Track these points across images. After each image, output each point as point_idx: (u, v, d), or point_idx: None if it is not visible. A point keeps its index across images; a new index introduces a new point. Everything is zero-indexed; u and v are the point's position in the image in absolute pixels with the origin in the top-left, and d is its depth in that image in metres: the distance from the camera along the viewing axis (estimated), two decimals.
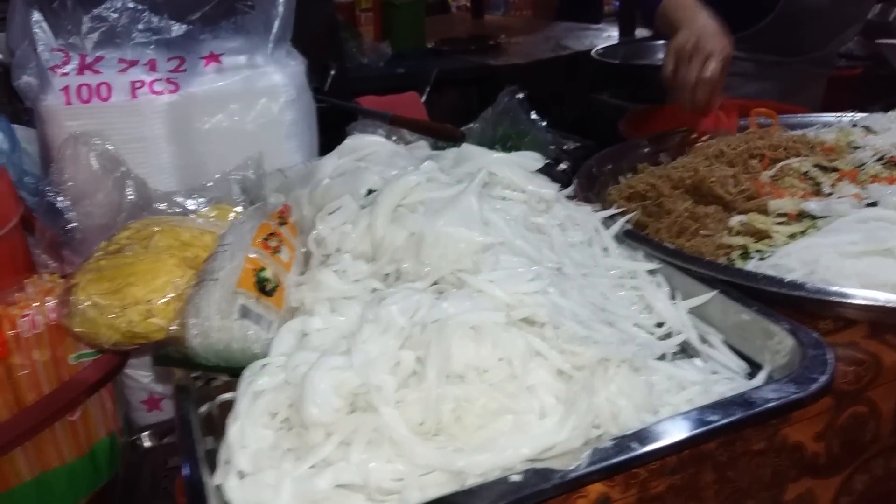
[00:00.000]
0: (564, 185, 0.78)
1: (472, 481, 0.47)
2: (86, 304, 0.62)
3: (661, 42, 2.30)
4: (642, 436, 0.49)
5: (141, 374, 0.95)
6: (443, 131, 1.23)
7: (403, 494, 0.47)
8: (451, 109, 2.03)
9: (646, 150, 1.03)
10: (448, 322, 0.51)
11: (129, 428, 0.91)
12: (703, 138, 1.00)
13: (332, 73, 1.78)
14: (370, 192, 0.65)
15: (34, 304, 0.72)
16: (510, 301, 0.53)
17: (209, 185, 0.79)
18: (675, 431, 0.49)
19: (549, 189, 0.68)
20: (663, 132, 1.05)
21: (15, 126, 0.94)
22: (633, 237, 0.72)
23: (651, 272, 0.69)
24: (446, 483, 0.47)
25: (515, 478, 0.46)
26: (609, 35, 2.57)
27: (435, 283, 0.58)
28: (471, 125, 1.29)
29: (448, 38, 2.56)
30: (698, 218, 0.77)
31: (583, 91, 2.13)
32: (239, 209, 0.76)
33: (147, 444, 0.94)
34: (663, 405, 0.53)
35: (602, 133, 1.30)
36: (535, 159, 0.70)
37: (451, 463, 0.47)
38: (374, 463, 0.48)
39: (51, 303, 0.73)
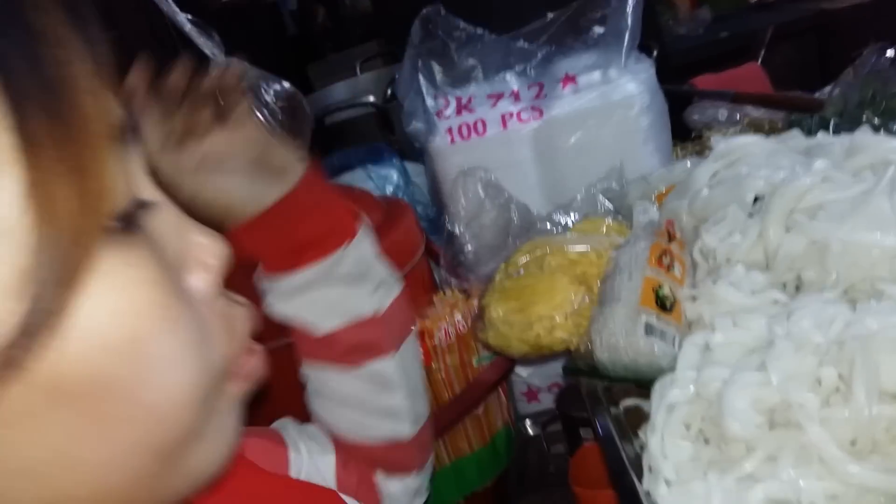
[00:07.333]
0: None
1: None
2: (498, 321, 0.72)
3: None
4: None
5: (521, 370, 1.07)
6: (796, 102, 1.14)
7: None
8: (790, 68, 1.85)
9: None
10: (873, 338, 0.48)
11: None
12: None
13: (655, 53, 1.75)
14: (756, 199, 0.64)
15: (445, 318, 0.86)
16: None
17: (579, 199, 0.85)
18: None
19: None
20: None
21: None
22: None
23: None
24: None
25: None
26: None
27: (845, 292, 0.56)
28: (827, 90, 1.17)
29: None
30: None
31: None
32: (609, 220, 0.81)
33: (530, 431, 1.05)
34: None
35: None
36: None
37: (892, 485, 0.45)
38: (804, 480, 0.48)
39: (457, 315, 0.86)
